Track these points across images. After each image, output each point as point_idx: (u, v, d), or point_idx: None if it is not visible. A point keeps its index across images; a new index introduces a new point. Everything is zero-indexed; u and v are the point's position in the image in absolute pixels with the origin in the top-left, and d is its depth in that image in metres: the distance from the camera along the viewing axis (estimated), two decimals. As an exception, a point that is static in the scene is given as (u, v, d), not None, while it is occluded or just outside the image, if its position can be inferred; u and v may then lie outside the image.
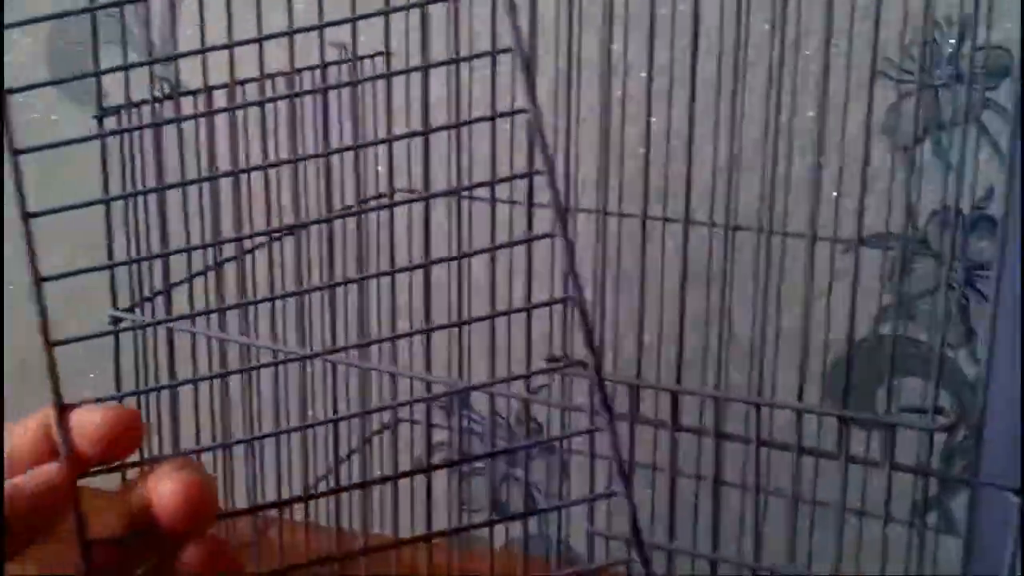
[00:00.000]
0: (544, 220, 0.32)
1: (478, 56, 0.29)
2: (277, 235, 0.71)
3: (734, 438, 0.52)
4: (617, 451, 0.28)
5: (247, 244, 0.68)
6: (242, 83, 0.65)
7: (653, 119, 0.54)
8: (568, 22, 0.60)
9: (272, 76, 0.67)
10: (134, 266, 0.64)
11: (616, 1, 0.52)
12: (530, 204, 0.53)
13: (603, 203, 0.55)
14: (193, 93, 0.67)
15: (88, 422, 0.30)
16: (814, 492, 0.59)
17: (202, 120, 0.67)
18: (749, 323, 0.59)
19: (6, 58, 1.03)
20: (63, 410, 0.30)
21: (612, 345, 0.71)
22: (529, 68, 0.25)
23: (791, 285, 0.61)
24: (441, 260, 0.28)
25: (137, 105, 0.64)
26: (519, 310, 0.30)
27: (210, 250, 0.67)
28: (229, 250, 0.67)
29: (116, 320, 0.63)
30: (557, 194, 0.26)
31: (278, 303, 0.71)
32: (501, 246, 0.29)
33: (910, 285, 0.74)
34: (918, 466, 0.51)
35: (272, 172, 0.69)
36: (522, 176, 0.30)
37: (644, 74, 0.53)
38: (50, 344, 0.31)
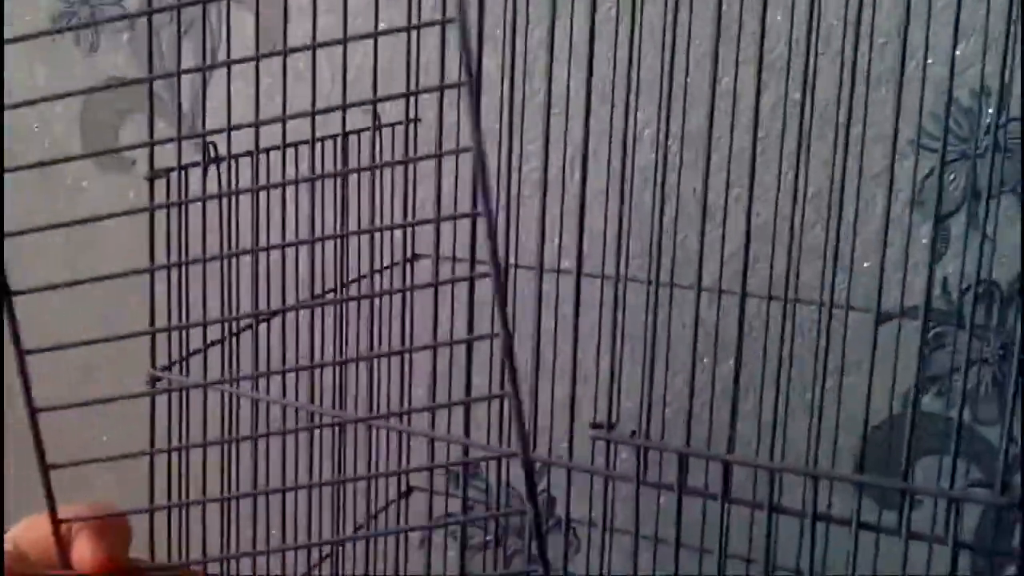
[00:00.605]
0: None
1: (427, 90, 0.27)
2: (291, 309, 0.70)
3: (789, 511, 0.49)
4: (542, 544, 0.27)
5: (264, 309, 0.67)
6: (295, 146, 0.65)
7: (674, 182, 0.53)
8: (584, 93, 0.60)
9: (296, 144, 0.68)
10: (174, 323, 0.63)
11: (642, 79, 0.52)
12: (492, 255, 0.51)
13: (623, 269, 0.53)
14: (222, 160, 0.67)
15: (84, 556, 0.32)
16: (874, 567, 0.55)
17: (226, 185, 0.67)
18: (778, 393, 0.57)
19: (43, 127, 1.05)
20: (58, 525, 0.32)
21: (659, 409, 0.68)
22: (478, 103, 0.24)
23: (828, 356, 0.59)
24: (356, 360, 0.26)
25: (185, 168, 0.64)
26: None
27: (228, 314, 0.66)
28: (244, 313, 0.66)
29: (155, 379, 0.63)
30: (495, 246, 0.25)
31: (290, 365, 0.70)
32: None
33: (944, 360, 0.71)
34: (976, 541, 0.48)
35: (290, 237, 0.69)
36: (462, 216, 0.28)
37: (666, 141, 0.52)
38: (34, 410, 0.31)
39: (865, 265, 0.69)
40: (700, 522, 0.58)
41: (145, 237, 1.06)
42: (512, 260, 0.73)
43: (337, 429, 0.64)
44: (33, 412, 0.30)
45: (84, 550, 0.32)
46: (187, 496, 0.66)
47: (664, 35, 0.72)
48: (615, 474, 0.52)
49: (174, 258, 0.68)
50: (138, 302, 1.06)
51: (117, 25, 1.00)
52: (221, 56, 0.94)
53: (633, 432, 0.50)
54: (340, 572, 0.63)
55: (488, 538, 0.84)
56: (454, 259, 0.72)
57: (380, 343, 0.72)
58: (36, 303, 1.06)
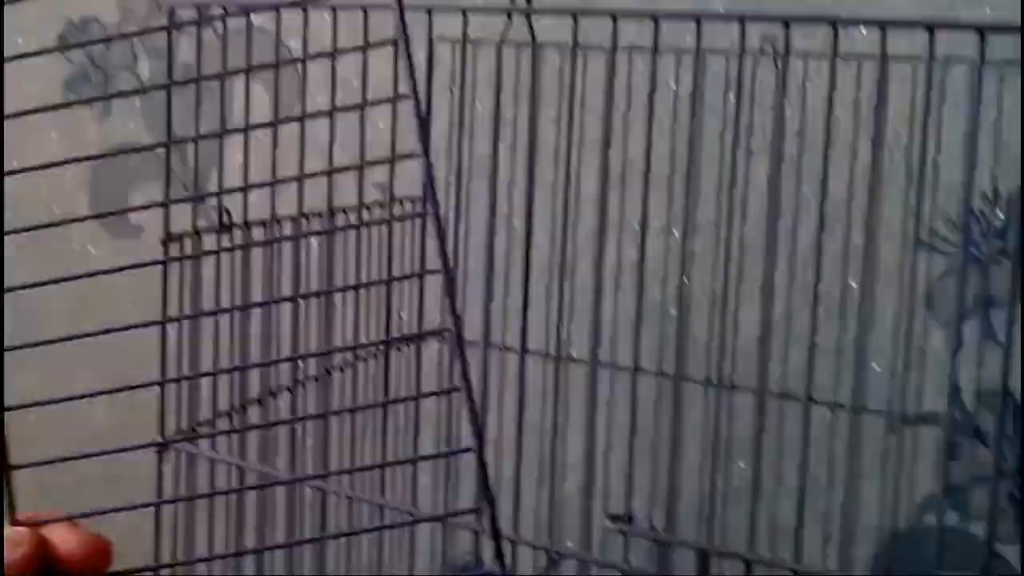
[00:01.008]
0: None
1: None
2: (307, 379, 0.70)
3: None
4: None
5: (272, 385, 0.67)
6: (306, 217, 0.66)
7: (686, 280, 0.54)
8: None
9: (308, 215, 0.68)
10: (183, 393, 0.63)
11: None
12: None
13: (636, 360, 0.53)
14: (236, 227, 0.67)
15: (66, 540, 0.34)
16: None
17: (238, 254, 0.67)
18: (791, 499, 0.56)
19: (50, 190, 1.05)
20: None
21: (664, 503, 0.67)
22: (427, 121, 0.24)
23: (836, 460, 0.58)
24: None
25: (199, 233, 0.64)
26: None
27: (236, 388, 0.66)
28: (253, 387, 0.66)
29: (162, 447, 0.62)
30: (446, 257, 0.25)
31: (298, 439, 0.69)
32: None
33: (959, 471, 0.70)
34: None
35: (303, 307, 0.69)
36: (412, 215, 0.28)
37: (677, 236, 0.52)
38: (9, 467, 0.34)
39: (876, 369, 0.69)
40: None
41: (154, 306, 1.06)
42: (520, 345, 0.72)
43: (347, 509, 0.63)
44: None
45: (67, 535, 0.33)
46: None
47: (674, 129, 0.73)
48: (633, 570, 0.51)
49: (186, 327, 0.68)
50: (147, 374, 1.05)
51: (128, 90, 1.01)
52: (232, 124, 0.95)
53: (652, 527, 0.49)
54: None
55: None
56: (468, 342, 0.71)
57: (390, 422, 0.71)
58: (36, 370, 1.04)
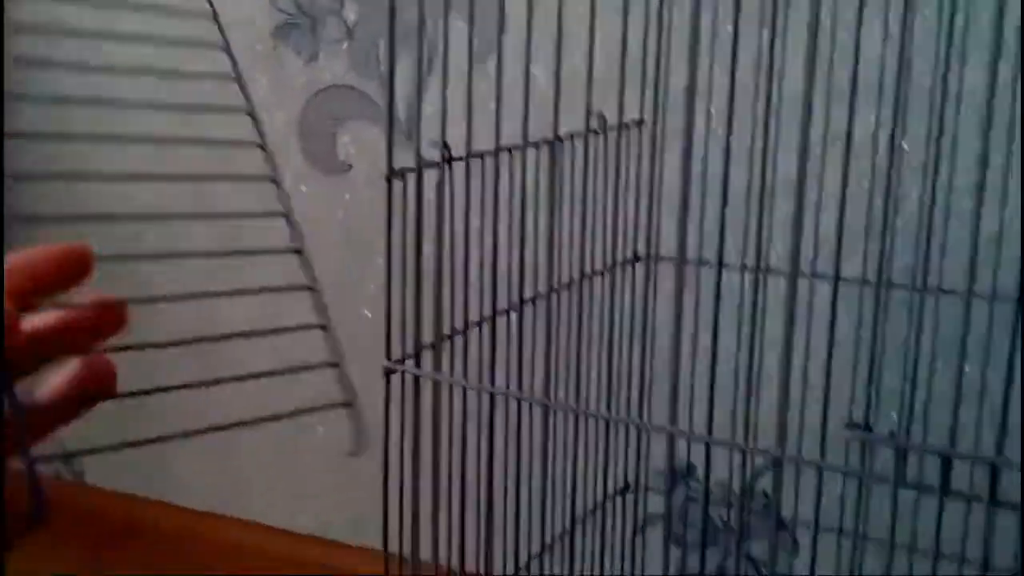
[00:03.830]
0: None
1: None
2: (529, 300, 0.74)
3: (1009, 504, 0.49)
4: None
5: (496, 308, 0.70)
6: (527, 147, 0.68)
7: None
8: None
9: (534, 144, 0.70)
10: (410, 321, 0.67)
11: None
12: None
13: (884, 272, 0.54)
14: (457, 160, 0.70)
15: (41, 255, 0.34)
16: None
17: (460, 188, 0.70)
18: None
19: (263, 129, 1.13)
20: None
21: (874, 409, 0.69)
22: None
23: None
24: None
25: (422, 168, 0.67)
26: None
27: (459, 311, 0.69)
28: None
29: (388, 371, 0.67)
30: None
31: (526, 362, 0.73)
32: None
33: None
34: None
35: (529, 237, 0.72)
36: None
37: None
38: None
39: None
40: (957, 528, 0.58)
41: (360, 239, 1.12)
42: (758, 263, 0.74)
43: (573, 422, 0.67)
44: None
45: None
46: (418, 487, 0.70)
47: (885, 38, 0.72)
48: (872, 476, 0.53)
49: (410, 258, 0.72)
50: (357, 301, 1.13)
51: (336, 35, 1.06)
52: (436, 63, 0.99)
53: (891, 432, 0.51)
54: (571, 560, 0.66)
55: (707, 538, 0.86)
56: (693, 262, 0.74)
57: (617, 340, 0.74)
58: (254, 300, 1.14)
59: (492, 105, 0.75)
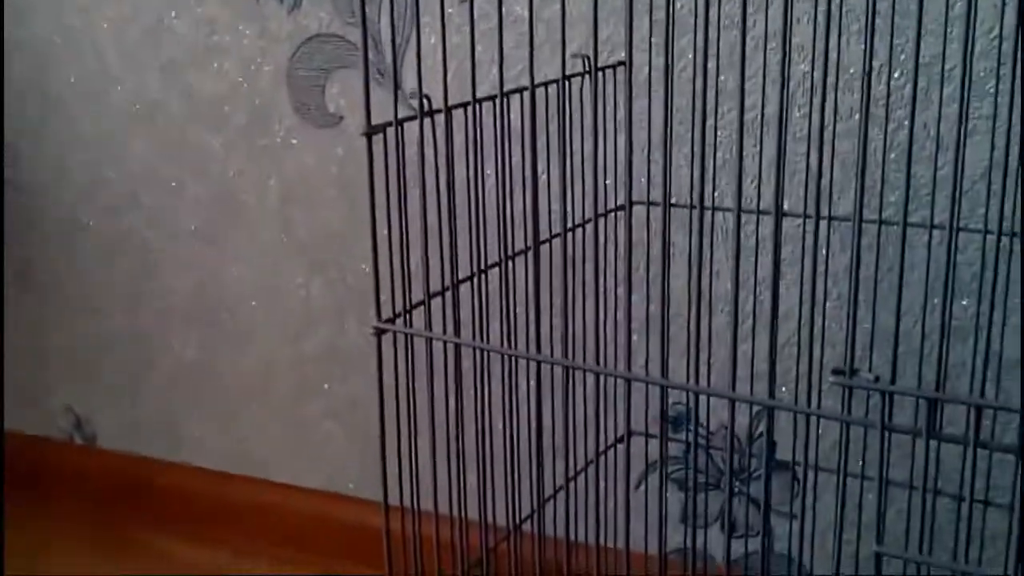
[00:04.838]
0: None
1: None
2: (515, 254, 0.74)
3: (992, 446, 0.50)
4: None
5: (483, 263, 0.70)
6: (507, 95, 0.67)
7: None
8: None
9: (511, 92, 0.70)
10: (396, 279, 0.66)
11: None
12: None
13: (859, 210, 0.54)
14: (437, 112, 0.69)
15: None
16: None
17: (441, 140, 0.70)
18: (1018, 332, 0.56)
19: (250, 83, 1.13)
20: None
21: (864, 354, 0.69)
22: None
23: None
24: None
25: (402, 123, 0.66)
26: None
27: (447, 267, 0.70)
28: (465, 268, 0.69)
29: (379, 331, 0.67)
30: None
31: (511, 317, 0.74)
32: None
33: None
34: None
35: (508, 187, 0.71)
36: None
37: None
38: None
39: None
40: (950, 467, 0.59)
41: (356, 192, 1.12)
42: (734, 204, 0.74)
43: (563, 376, 0.68)
44: None
45: None
46: (414, 443, 0.71)
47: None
48: (857, 420, 0.53)
49: (393, 212, 0.71)
50: (354, 256, 1.13)
51: (318, -17, 1.06)
52: (423, 10, 0.99)
53: (876, 378, 0.51)
54: (567, 513, 0.67)
55: (709, 482, 0.87)
56: (671, 204, 0.74)
57: (604, 289, 0.75)
58: (253, 260, 1.15)
59: (485, 52, 0.74)
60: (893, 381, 0.52)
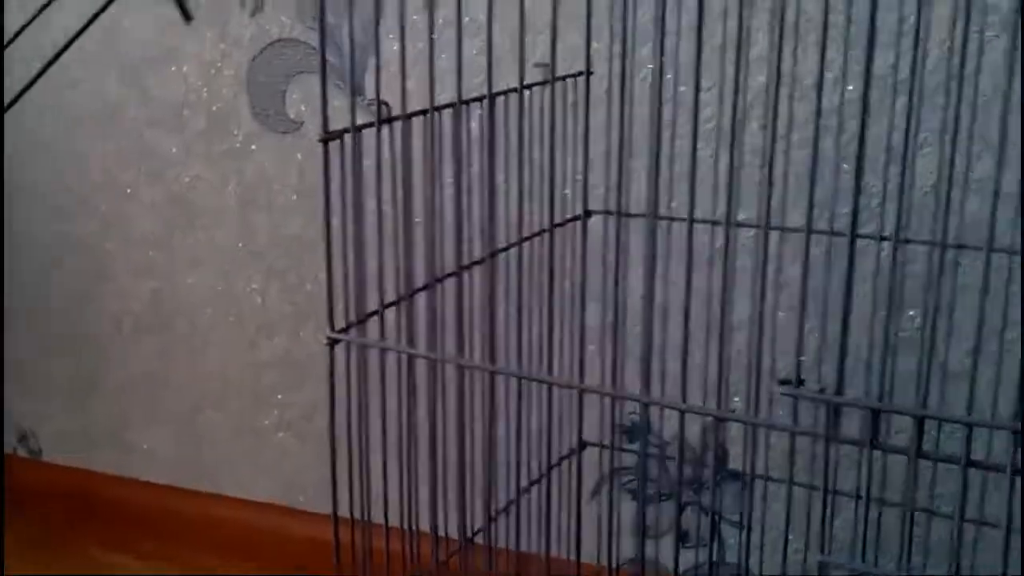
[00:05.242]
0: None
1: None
2: (470, 265, 0.75)
3: (933, 457, 0.51)
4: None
5: (438, 272, 0.71)
6: (467, 103, 0.68)
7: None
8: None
9: (470, 101, 0.71)
10: (350, 289, 0.67)
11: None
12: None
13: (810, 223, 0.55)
14: (395, 120, 0.70)
15: None
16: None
17: (399, 147, 0.71)
18: (964, 343, 0.58)
19: (210, 87, 1.13)
20: None
21: (813, 365, 0.71)
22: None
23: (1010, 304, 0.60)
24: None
25: (359, 129, 0.67)
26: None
27: (401, 277, 0.70)
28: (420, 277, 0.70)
29: (332, 341, 0.68)
30: None
31: (466, 327, 0.75)
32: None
33: None
34: None
35: (465, 195, 0.72)
36: None
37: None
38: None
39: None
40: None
41: (315, 199, 1.13)
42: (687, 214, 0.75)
43: (516, 386, 0.69)
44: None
45: None
46: (366, 455, 0.71)
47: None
48: (803, 430, 0.54)
49: (349, 220, 0.72)
50: (313, 262, 1.14)
51: (280, -12, 1.07)
52: (386, 14, 1.00)
53: (822, 389, 0.53)
54: (517, 525, 0.68)
55: (663, 491, 0.88)
56: (627, 215, 0.75)
57: (562, 299, 0.76)
58: (209, 266, 1.15)
59: (449, 60, 0.75)
60: (839, 392, 0.54)
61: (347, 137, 0.68)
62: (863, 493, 0.55)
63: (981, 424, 0.50)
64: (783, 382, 0.54)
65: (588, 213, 0.79)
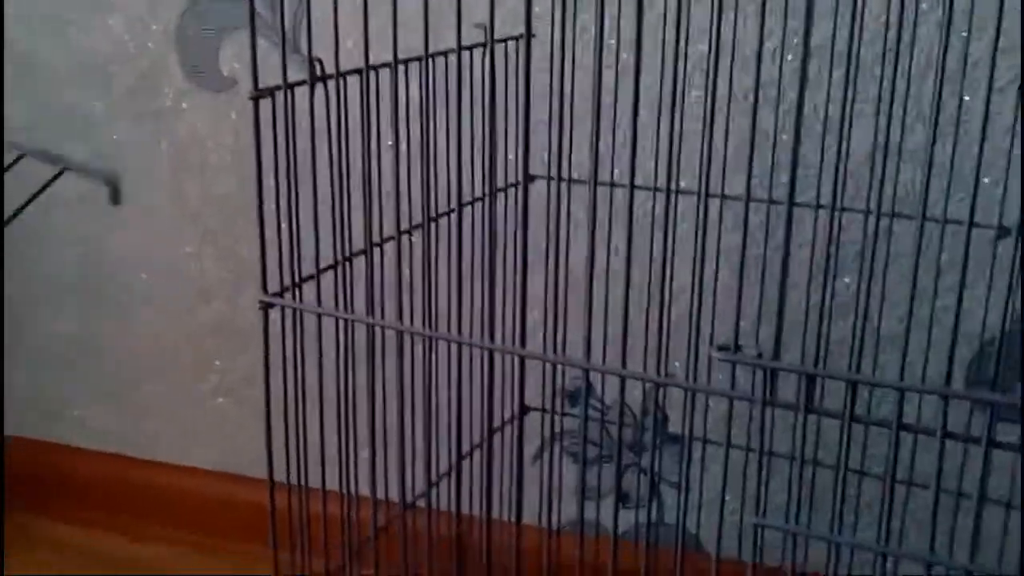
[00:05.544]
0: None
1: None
2: (407, 230, 0.75)
3: (866, 420, 0.53)
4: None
5: (376, 237, 0.71)
6: (406, 63, 0.67)
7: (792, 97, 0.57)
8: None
9: (407, 61, 0.71)
10: (284, 252, 0.67)
11: None
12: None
13: (747, 192, 0.57)
14: (329, 78, 0.70)
15: None
16: (959, 482, 0.60)
17: (333, 107, 0.70)
18: (897, 309, 0.60)
19: (137, 42, 1.11)
20: None
21: (752, 330, 0.73)
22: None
23: (941, 272, 0.62)
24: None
25: (291, 87, 0.66)
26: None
27: (338, 240, 0.70)
28: (357, 240, 0.70)
29: (266, 305, 0.68)
30: None
31: (404, 293, 0.75)
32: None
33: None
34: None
35: (404, 159, 0.73)
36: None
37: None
38: None
39: (986, 181, 0.71)
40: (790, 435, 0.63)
41: (251, 160, 1.12)
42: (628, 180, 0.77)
43: (456, 352, 0.70)
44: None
45: None
46: (303, 420, 0.72)
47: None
48: (739, 395, 0.56)
49: (282, 181, 0.71)
50: (250, 225, 1.13)
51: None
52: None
53: (759, 354, 0.54)
54: (458, 490, 0.70)
55: (604, 454, 0.91)
56: (570, 180, 0.76)
57: (496, 265, 0.77)
58: (141, 229, 1.14)
59: (390, 17, 0.74)
60: (776, 357, 0.55)
61: (280, 95, 0.67)
62: (798, 455, 0.58)
63: (911, 389, 0.52)
64: (721, 348, 0.56)
65: (530, 178, 0.80)
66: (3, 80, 1.18)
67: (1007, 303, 0.53)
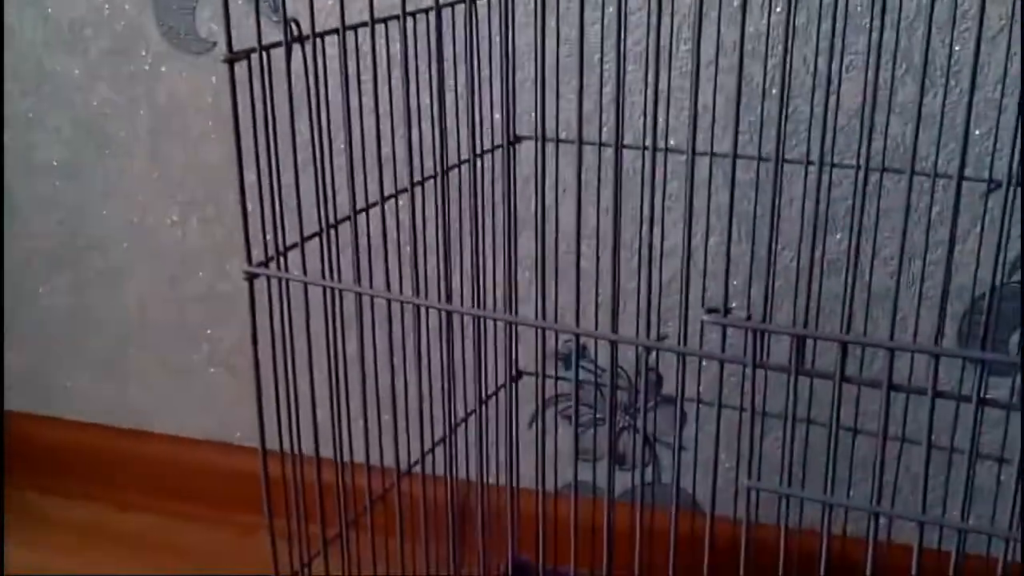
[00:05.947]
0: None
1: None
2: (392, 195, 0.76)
3: (856, 381, 0.54)
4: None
5: (360, 203, 0.71)
6: (384, 22, 0.66)
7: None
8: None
9: (385, 20, 0.70)
10: (265, 221, 0.67)
11: None
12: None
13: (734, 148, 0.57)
14: (305, 39, 0.69)
15: None
16: (952, 438, 0.61)
17: (311, 67, 0.70)
18: (888, 266, 0.60)
19: (113, 4, 1.11)
20: None
21: (744, 289, 0.74)
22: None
23: (932, 228, 0.62)
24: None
25: (267, 48, 0.65)
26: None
27: (322, 207, 0.70)
28: (342, 206, 0.70)
29: (251, 276, 0.68)
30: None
31: (392, 259, 0.76)
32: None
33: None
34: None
35: (385, 121, 0.72)
36: None
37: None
38: None
39: (976, 133, 0.71)
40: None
41: (229, 124, 1.12)
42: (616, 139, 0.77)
43: (444, 319, 0.71)
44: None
45: None
46: (294, 390, 0.73)
47: None
48: (729, 358, 0.57)
49: (262, 148, 0.71)
50: (232, 193, 1.13)
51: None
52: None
53: (748, 316, 0.55)
54: (453, 458, 0.71)
55: (598, 416, 0.92)
56: (557, 140, 0.77)
57: (484, 228, 0.77)
58: (122, 197, 1.14)
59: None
60: (767, 318, 0.56)
61: (255, 58, 0.66)
62: (790, 415, 0.59)
63: (902, 348, 0.53)
64: (711, 310, 0.57)
65: (517, 139, 0.80)
66: (3, 77, 1.18)
67: (997, 257, 0.54)
